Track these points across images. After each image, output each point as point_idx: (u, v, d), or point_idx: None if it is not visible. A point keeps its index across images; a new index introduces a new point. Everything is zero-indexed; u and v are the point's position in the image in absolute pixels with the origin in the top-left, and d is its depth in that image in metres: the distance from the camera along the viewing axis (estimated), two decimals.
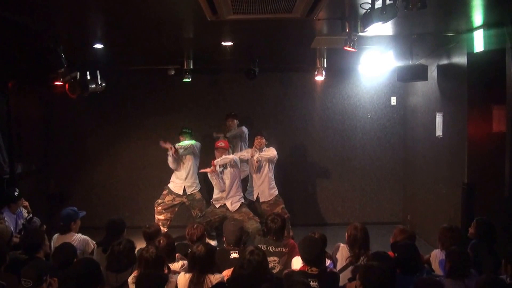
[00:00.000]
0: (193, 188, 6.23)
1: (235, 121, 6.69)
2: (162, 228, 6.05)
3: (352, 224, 3.78)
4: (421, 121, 6.69)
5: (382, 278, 2.70)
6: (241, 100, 7.41)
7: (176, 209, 6.36)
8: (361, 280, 2.73)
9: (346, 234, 3.75)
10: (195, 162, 6.31)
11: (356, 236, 3.66)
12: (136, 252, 3.65)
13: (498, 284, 2.79)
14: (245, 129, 6.70)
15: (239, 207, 5.77)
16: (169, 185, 6.34)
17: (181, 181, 6.24)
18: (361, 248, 3.63)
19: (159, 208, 6.24)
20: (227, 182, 5.79)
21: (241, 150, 6.55)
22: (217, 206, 5.82)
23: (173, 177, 6.35)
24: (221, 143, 5.88)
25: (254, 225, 5.49)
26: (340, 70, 7.25)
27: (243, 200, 5.91)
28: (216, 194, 5.89)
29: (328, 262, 3.68)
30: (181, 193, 6.24)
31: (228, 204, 5.76)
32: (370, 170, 7.51)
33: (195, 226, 4.19)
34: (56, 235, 4.35)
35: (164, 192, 6.32)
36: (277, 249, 4.05)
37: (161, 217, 6.23)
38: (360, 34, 4.05)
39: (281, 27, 4.56)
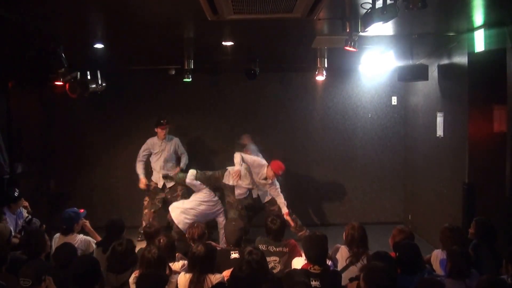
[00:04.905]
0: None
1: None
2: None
3: (350, 224, 3.78)
4: (422, 121, 6.68)
5: (386, 279, 2.70)
6: (241, 100, 7.40)
7: None
8: (365, 280, 2.72)
9: (344, 234, 3.75)
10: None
11: (353, 235, 3.66)
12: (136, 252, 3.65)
13: (499, 284, 2.78)
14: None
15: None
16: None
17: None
18: (359, 248, 3.63)
19: None
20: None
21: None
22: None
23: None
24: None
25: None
26: (340, 70, 7.25)
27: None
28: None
29: (328, 263, 3.66)
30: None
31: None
32: (370, 170, 7.50)
33: (195, 225, 4.17)
34: (57, 235, 4.35)
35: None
36: (277, 249, 4.03)
37: None
38: (360, 34, 4.05)
39: (282, 27, 4.55)
